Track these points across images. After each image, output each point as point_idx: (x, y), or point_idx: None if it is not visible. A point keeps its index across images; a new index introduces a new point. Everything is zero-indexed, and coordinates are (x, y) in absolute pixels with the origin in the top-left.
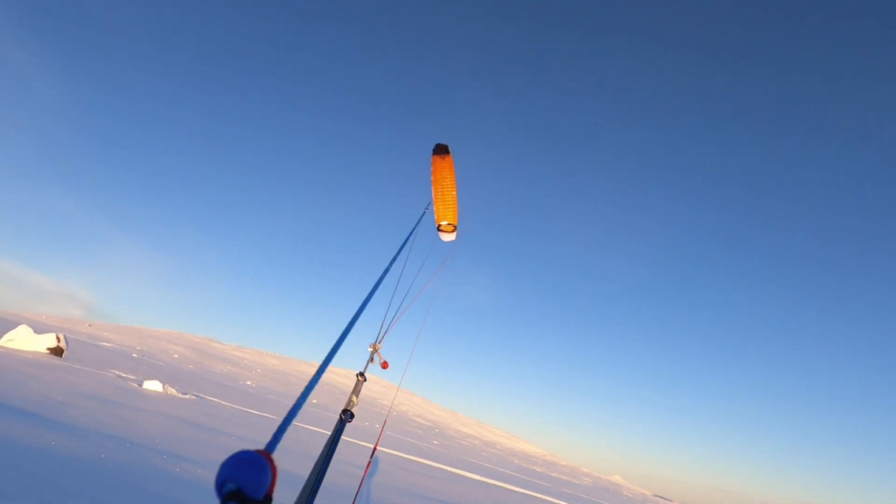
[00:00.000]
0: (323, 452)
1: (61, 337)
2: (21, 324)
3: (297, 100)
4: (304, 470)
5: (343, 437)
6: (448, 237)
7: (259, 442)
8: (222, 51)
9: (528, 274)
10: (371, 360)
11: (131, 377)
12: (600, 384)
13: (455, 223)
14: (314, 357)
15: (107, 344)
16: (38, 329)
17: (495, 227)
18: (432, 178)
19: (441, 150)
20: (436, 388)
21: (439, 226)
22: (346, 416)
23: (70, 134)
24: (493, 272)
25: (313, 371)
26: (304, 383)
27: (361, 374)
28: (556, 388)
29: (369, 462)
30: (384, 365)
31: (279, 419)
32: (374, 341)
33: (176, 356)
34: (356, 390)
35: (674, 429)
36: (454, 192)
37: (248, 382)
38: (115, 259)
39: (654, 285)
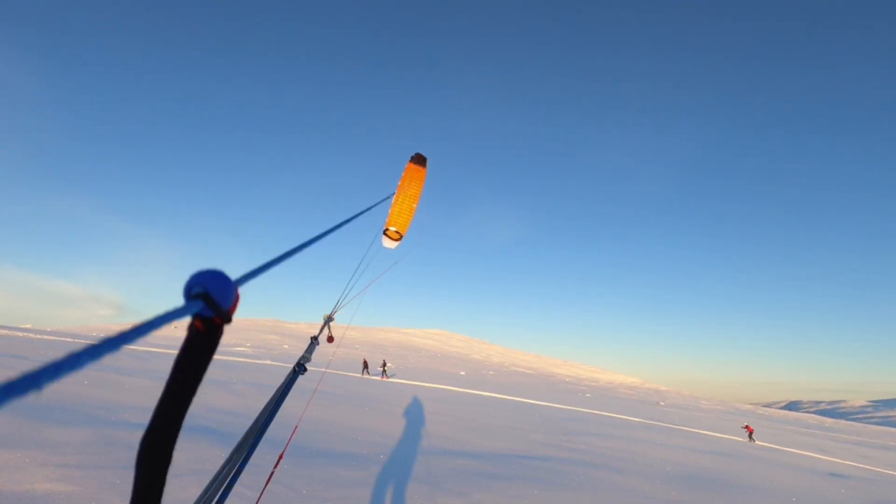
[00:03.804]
0: (271, 401)
1: None
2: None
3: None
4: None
5: None
6: (390, 244)
7: None
8: (215, 45)
9: (559, 202)
10: (322, 329)
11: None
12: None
13: (403, 233)
14: (389, 322)
15: (242, 348)
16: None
17: (525, 157)
18: (399, 184)
19: (419, 160)
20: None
21: (386, 230)
22: (300, 369)
23: (67, 141)
24: (524, 205)
25: (397, 336)
26: (402, 350)
27: (315, 337)
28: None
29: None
30: (330, 339)
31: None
32: (329, 312)
33: (286, 346)
34: (310, 349)
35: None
36: (415, 205)
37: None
38: (133, 255)
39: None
